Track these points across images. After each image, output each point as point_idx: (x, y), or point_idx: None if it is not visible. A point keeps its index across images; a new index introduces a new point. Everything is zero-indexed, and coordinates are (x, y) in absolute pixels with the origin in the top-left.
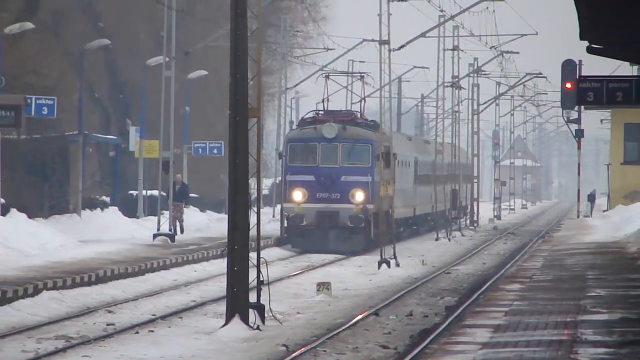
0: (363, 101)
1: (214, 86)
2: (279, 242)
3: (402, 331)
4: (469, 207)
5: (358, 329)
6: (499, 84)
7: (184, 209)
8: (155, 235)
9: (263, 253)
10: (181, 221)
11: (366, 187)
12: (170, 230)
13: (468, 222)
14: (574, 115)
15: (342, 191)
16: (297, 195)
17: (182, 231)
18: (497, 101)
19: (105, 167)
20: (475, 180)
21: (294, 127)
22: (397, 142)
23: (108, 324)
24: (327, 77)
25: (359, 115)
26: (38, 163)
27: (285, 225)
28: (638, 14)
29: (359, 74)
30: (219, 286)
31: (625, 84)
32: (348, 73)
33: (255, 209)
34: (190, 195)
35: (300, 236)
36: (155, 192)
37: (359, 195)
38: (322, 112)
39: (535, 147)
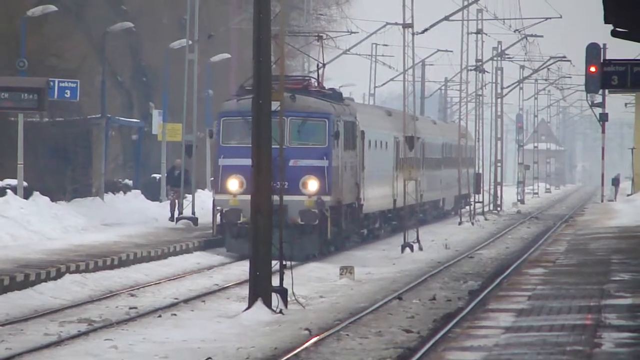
0: (322, 67)
1: (237, 69)
2: (209, 245)
3: (425, 315)
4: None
5: (381, 313)
6: (522, 67)
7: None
8: (177, 219)
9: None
10: (180, 206)
11: (321, 173)
12: (172, 217)
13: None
14: (598, 99)
15: (290, 179)
16: (233, 184)
17: (178, 216)
18: (521, 85)
19: (128, 151)
20: (498, 164)
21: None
22: (366, 117)
23: (131, 308)
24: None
25: (315, 82)
26: (61, 146)
27: (218, 222)
28: None
29: (316, 35)
30: (242, 270)
31: None
32: (303, 34)
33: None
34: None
35: (236, 237)
36: None
37: (312, 184)
38: None
39: (559, 130)
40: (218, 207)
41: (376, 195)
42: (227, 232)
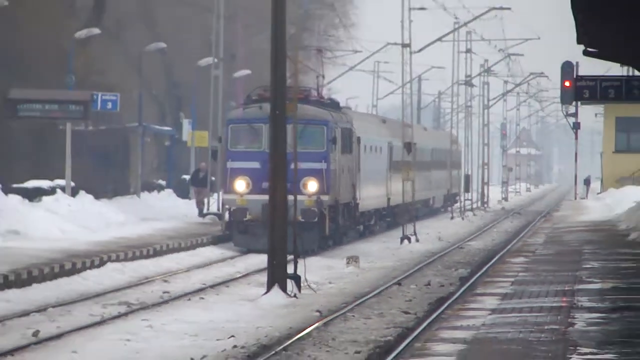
0: (321, 78)
1: (256, 83)
2: (218, 240)
3: (421, 299)
4: (459, 195)
5: (383, 297)
6: (506, 82)
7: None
8: (205, 214)
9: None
10: (203, 204)
11: (320, 175)
12: (200, 213)
13: (458, 209)
14: (572, 109)
15: (291, 180)
16: (240, 185)
17: (205, 212)
18: (505, 97)
19: (162, 155)
20: (485, 167)
21: (233, 105)
22: (362, 124)
23: (164, 292)
24: None
25: (315, 92)
26: (103, 151)
27: (226, 220)
28: (627, 23)
29: (315, 49)
30: (261, 259)
31: (616, 82)
32: (303, 47)
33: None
34: None
35: (243, 233)
36: None
37: (312, 185)
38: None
39: (538, 137)
40: (226, 206)
41: (371, 195)
42: (235, 228)
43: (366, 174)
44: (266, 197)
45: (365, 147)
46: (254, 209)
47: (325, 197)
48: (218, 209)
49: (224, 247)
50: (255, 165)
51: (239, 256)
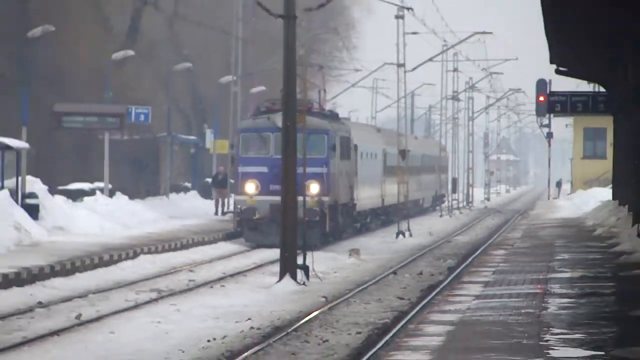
0: (323, 92)
1: (270, 98)
2: (230, 237)
3: (414, 286)
4: (446, 195)
5: (381, 285)
6: (488, 97)
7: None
8: (224, 213)
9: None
10: (223, 204)
11: (321, 178)
12: (216, 212)
13: (447, 208)
14: (545, 121)
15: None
16: (250, 187)
17: (224, 211)
18: (487, 110)
19: (187, 161)
20: (470, 171)
21: (248, 116)
22: (359, 133)
23: (190, 280)
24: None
25: (317, 105)
26: (136, 157)
27: (238, 218)
28: (591, 48)
29: (317, 65)
30: (271, 253)
31: (584, 97)
32: (305, 64)
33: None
34: None
35: (252, 230)
36: None
37: (314, 188)
38: (277, 102)
39: (516, 145)
40: (238, 206)
41: (367, 196)
42: (245, 226)
43: (363, 177)
44: (273, 197)
45: (362, 153)
46: (263, 208)
47: (325, 198)
48: (216, 212)
49: (236, 242)
50: (264, 169)
51: (251, 250)
